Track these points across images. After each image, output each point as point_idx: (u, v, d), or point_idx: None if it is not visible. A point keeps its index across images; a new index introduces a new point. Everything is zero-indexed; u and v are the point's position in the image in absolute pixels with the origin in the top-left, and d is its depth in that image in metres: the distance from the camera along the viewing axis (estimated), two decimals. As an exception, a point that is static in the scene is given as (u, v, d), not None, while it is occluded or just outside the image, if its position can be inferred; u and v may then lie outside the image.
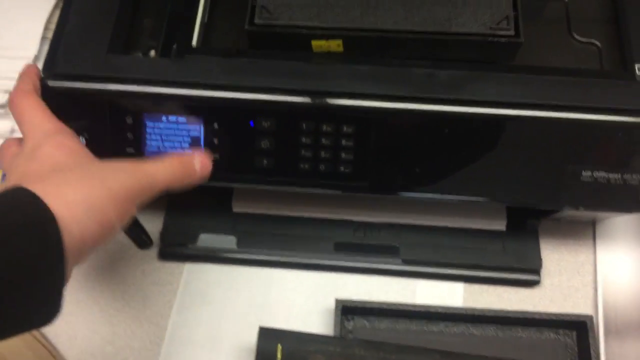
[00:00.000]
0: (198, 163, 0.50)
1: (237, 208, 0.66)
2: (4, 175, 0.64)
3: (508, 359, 0.57)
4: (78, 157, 0.46)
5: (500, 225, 0.66)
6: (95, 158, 0.47)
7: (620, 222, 0.68)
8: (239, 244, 0.65)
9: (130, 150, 0.54)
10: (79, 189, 0.41)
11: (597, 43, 0.59)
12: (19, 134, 0.49)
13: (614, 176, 0.54)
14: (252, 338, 0.57)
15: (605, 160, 0.53)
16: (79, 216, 0.39)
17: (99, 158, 0.47)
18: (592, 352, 0.59)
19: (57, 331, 0.62)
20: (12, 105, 0.50)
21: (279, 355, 0.55)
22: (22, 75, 0.52)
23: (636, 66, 0.55)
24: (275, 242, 0.65)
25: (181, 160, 0.49)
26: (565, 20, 0.60)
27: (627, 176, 0.54)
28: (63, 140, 0.47)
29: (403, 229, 0.66)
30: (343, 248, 0.65)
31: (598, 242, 0.68)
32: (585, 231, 0.68)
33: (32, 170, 0.44)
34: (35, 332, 0.60)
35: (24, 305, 0.37)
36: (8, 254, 0.35)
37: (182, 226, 0.66)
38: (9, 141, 0.50)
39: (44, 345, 0.59)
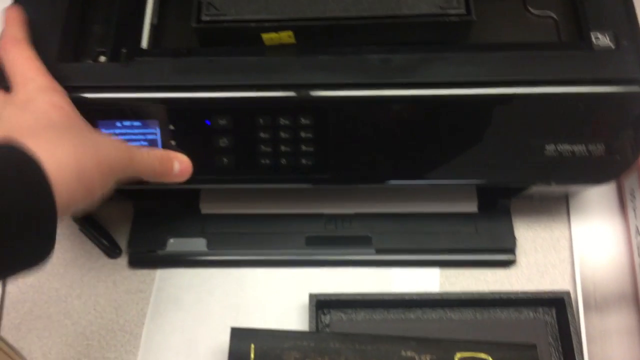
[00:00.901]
0: (178, 166, 0.52)
1: (206, 209, 0.65)
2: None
3: (484, 341, 0.56)
4: (72, 121, 0.46)
5: (471, 207, 0.65)
6: (89, 125, 0.47)
7: (593, 195, 0.68)
8: (209, 245, 0.64)
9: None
10: (72, 152, 0.42)
11: (554, 15, 0.58)
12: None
13: (578, 148, 0.53)
14: (227, 339, 0.56)
15: (568, 133, 0.53)
16: (67, 179, 0.41)
17: None
18: (571, 327, 0.58)
19: (30, 347, 0.61)
20: (2, 52, 0.49)
21: (252, 355, 0.54)
22: (9, 20, 0.50)
23: (592, 35, 0.54)
24: (245, 241, 0.65)
25: (162, 158, 0.51)
26: (520, -5, 0.60)
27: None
28: (59, 102, 0.47)
29: (375, 219, 0.65)
30: (315, 242, 0.65)
31: (572, 216, 0.67)
32: (558, 207, 0.68)
33: (26, 124, 0.44)
34: (7, 349, 0.59)
35: (20, 247, 0.38)
36: (2, 203, 0.36)
37: (151, 232, 0.65)
38: None
39: (15, 362, 0.58)
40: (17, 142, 0.39)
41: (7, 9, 0.52)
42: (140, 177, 0.49)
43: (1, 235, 0.37)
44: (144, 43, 0.56)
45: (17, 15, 0.51)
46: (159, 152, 0.51)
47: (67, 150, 0.41)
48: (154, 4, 0.57)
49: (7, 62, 0.49)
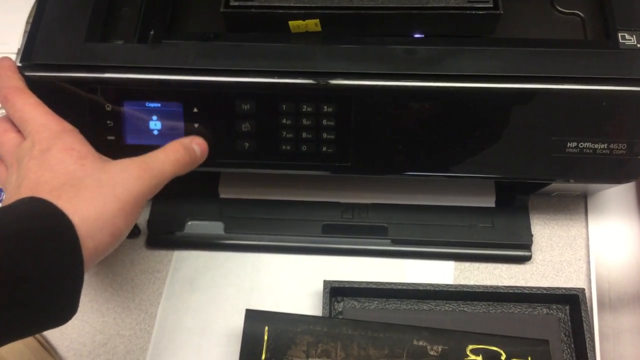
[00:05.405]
0: (197, 146, 0.52)
1: (224, 194, 0.66)
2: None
3: (497, 335, 0.57)
4: (88, 164, 0.46)
5: (489, 201, 0.65)
6: (103, 160, 0.48)
7: (612, 195, 0.68)
8: (226, 229, 0.65)
9: (111, 138, 0.54)
10: (92, 204, 0.43)
11: (580, 13, 0.58)
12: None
13: (600, 147, 0.53)
14: (241, 322, 0.57)
15: (591, 131, 0.53)
16: (93, 231, 0.42)
17: None
18: (584, 325, 0.58)
19: (48, 322, 0.62)
20: (8, 104, 0.49)
21: (265, 337, 0.55)
22: (4, 71, 0.51)
23: (619, 35, 0.54)
24: (262, 226, 0.65)
25: (184, 146, 0.51)
26: (547, -8, 0.60)
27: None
28: (72, 144, 0.47)
29: (391, 209, 0.66)
30: (331, 230, 0.65)
31: (590, 215, 0.67)
32: (576, 205, 0.68)
33: (45, 180, 0.44)
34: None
35: (46, 308, 0.39)
36: (33, 262, 0.38)
37: (169, 214, 0.66)
38: (1, 124, 0.50)
39: (34, 336, 0.59)
40: (47, 201, 0.41)
41: (1, 59, 0.52)
42: (169, 179, 0.50)
43: (32, 295, 0.38)
44: (172, 26, 0.56)
45: (11, 65, 0.52)
46: (176, 144, 0.51)
47: (88, 205, 0.43)
48: (183, -13, 0.58)
49: (16, 112, 0.49)
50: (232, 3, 0.53)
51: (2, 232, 0.38)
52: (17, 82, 0.51)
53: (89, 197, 0.43)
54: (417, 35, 0.55)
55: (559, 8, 0.58)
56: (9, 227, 0.39)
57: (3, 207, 0.41)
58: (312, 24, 0.54)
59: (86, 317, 0.62)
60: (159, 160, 0.49)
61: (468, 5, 0.53)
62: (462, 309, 0.61)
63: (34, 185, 0.44)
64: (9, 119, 0.51)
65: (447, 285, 0.61)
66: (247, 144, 0.54)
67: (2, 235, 0.38)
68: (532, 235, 0.64)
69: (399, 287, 0.61)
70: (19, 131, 0.50)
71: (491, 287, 0.61)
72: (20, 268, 0.37)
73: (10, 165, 0.49)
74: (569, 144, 0.53)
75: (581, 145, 0.53)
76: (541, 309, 0.61)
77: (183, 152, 0.50)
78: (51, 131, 0.48)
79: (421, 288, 0.60)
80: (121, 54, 0.53)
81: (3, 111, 0.50)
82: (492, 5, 0.53)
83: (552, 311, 0.61)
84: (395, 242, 0.65)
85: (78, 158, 0.46)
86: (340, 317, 0.61)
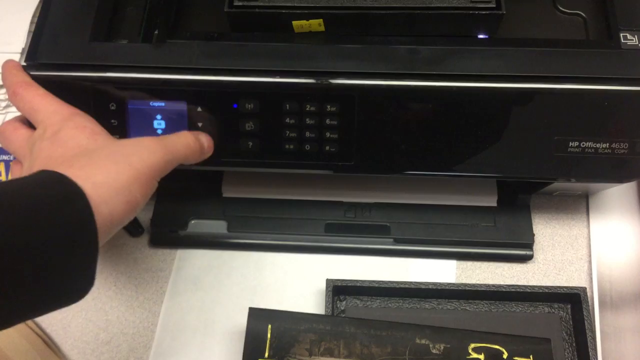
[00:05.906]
0: (205, 140, 0.53)
1: (227, 193, 0.66)
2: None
3: (499, 333, 0.57)
4: (100, 138, 0.47)
5: (491, 201, 0.66)
6: (114, 138, 0.48)
7: (613, 194, 0.68)
8: (229, 228, 0.65)
9: (115, 137, 0.54)
10: (106, 170, 0.43)
11: (582, 14, 0.58)
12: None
13: (602, 146, 0.53)
14: (244, 321, 0.57)
15: (593, 130, 0.53)
16: (107, 197, 0.41)
17: None
18: (586, 324, 0.59)
19: (51, 320, 0.62)
20: (17, 98, 0.50)
21: (269, 335, 0.55)
22: (11, 69, 0.52)
23: (621, 35, 0.54)
24: (265, 225, 0.65)
25: (193, 134, 0.52)
26: (549, -8, 0.60)
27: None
28: (83, 122, 0.48)
29: (394, 208, 0.66)
30: (334, 229, 0.65)
31: (592, 215, 0.67)
32: (578, 205, 0.68)
33: (57, 154, 0.45)
34: (29, 322, 0.60)
35: (61, 280, 0.38)
36: (44, 231, 0.37)
37: (173, 213, 0.66)
38: (11, 123, 0.51)
39: (38, 335, 0.59)
40: (56, 171, 0.41)
41: (5, 62, 0.53)
42: (180, 162, 0.50)
43: (44, 265, 0.37)
44: (176, 26, 0.57)
45: (16, 64, 0.52)
46: (185, 132, 0.52)
47: (102, 171, 0.42)
48: (187, -13, 0.58)
49: (26, 104, 0.50)
50: (236, 3, 0.54)
51: (8, 200, 0.37)
52: (24, 77, 0.51)
53: (102, 164, 0.43)
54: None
55: (561, 8, 0.59)
56: (15, 195, 0.38)
57: (11, 180, 0.40)
58: (316, 24, 0.54)
59: (90, 316, 0.62)
60: (171, 139, 0.50)
61: (471, 5, 0.53)
62: (464, 307, 0.62)
63: (46, 162, 0.45)
64: (18, 119, 0.51)
65: (449, 284, 0.61)
66: (250, 143, 0.54)
67: (7, 203, 0.37)
68: (533, 235, 0.65)
69: (402, 285, 0.61)
70: (28, 128, 0.50)
71: (493, 286, 0.61)
72: (27, 235, 0.36)
73: (24, 157, 0.49)
74: (571, 144, 0.53)
75: (583, 144, 0.53)
76: (543, 308, 0.62)
77: (193, 138, 0.51)
78: (62, 115, 0.48)
79: (423, 287, 0.61)
80: (125, 54, 0.53)
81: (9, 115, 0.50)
82: (494, 6, 0.53)
83: (553, 310, 0.61)
84: (397, 241, 0.65)
85: (91, 134, 0.47)
86: (343, 315, 0.61)
